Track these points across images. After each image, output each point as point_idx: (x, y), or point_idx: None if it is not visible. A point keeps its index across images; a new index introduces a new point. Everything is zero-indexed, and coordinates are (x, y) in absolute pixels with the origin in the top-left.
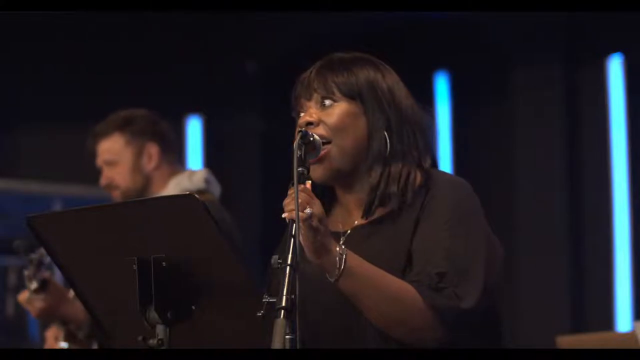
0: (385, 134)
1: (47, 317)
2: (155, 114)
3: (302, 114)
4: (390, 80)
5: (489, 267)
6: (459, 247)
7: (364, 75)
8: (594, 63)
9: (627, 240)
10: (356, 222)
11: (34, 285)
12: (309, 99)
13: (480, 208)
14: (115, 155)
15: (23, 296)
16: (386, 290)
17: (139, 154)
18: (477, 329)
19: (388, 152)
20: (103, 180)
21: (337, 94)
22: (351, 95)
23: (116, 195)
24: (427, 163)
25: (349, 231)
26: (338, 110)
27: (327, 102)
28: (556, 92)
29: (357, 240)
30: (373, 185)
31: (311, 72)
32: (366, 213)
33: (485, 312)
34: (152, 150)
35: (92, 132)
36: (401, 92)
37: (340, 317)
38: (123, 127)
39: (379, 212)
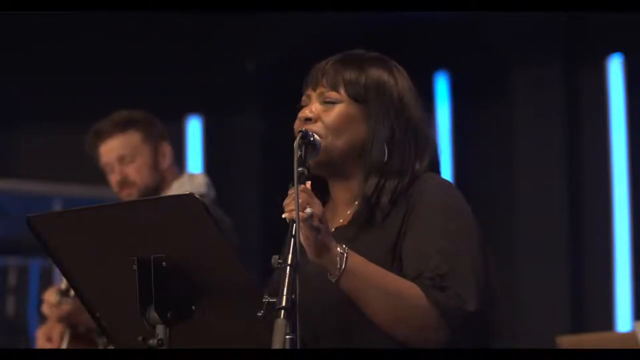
0: (386, 146)
1: (70, 322)
2: (152, 115)
3: (304, 105)
4: (402, 87)
5: (484, 266)
6: (454, 249)
7: (376, 77)
8: (594, 63)
9: (627, 240)
10: (341, 220)
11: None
12: (315, 90)
13: (467, 208)
14: (132, 151)
15: (50, 297)
16: (389, 289)
17: (155, 152)
18: (479, 331)
19: (386, 163)
20: (116, 176)
21: (343, 93)
22: (356, 98)
23: (128, 194)
24: (423, 168)
25: (332, 230)
26: (338, 110)
27: (330, 99)
28: (556, 92)
29: (340, 241)
30: (366, 196)
31: (326, 63)
32: (355, 221)
33: (484, 312)
34: (166, 149)
35: (95, 131)
36: (411, 100)
37: (340, 317)
38: (137, 124)
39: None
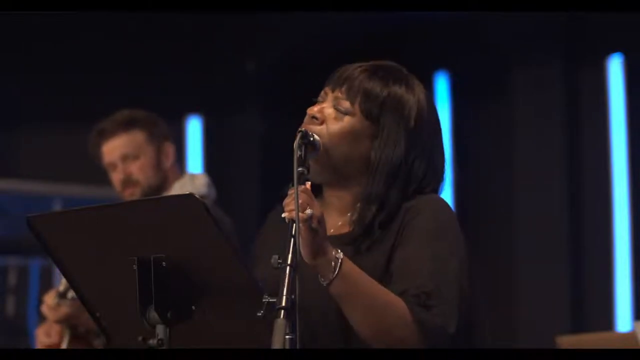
0: (390, 176)
1: (69, 324)
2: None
3: (320, 100)
4: (422, 109)
5: (468, 291)
6: (440, 270)
7: (397, 96)
8: (594, 63)
9: (627, 240)
10: (332, 230)
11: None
12: (333, 91)
13: (459, 230)
14: (135, 150)
15: (50, 299)
16: (376, 299)
17: (159, 151)
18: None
19: (388, 194)
20: (119, 175)
21: (357, 107)
22: (368, 115)
23: (131, 193)
24: (425, 192)
25: None
26: (345, 123)
27: (343, 108)
28: (556, 92)
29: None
30: (361, 223)
31: (354, 69)
32: (349, 244)
33: (464, 335)
34: (169, 149)
35: (98, 130)
36: (429, 124)
37: (339, 317)
38: (140, 124)
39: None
